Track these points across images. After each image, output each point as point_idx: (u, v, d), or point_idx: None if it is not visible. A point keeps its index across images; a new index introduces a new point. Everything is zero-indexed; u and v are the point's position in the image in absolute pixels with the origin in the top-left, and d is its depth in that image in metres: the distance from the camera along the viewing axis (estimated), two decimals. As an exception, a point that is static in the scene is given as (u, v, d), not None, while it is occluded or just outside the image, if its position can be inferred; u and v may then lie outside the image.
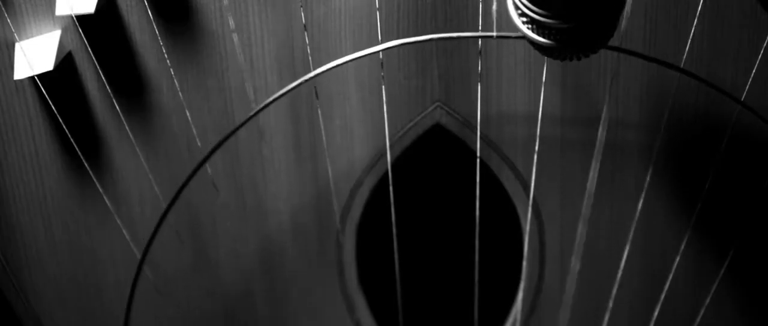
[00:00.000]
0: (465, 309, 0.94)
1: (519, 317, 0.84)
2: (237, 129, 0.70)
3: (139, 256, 0.77)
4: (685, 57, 0.74)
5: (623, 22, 0.73)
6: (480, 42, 0.74)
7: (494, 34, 0.67)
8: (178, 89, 0.75)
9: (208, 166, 0.78)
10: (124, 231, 0.79)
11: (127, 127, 0.76)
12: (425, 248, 0.94)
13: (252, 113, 0.70)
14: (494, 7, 0.72)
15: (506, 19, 0.73)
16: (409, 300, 0.94)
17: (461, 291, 0.93)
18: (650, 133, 0.77)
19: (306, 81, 0.68)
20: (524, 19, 0.60)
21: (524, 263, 0.83)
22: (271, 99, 0.69)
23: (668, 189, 0.79)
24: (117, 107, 0.75)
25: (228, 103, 0.76)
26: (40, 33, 0.72)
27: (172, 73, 0.75)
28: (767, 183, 0.78)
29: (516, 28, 0.60)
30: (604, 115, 0.77)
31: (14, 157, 0.76)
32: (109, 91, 0.75)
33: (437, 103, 0.77)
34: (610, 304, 0.83)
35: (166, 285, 0.82)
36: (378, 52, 0.68)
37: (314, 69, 0.75)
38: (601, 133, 0.77)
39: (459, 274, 0.93)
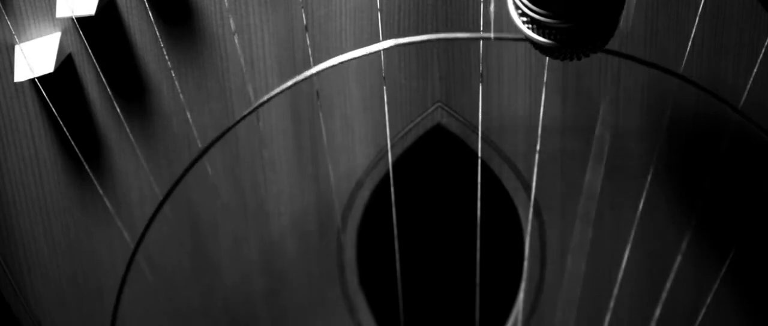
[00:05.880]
0: (466, 310, 0.94)
1: (520, 317, 0.84)
2: (235, 124, 0.70)
3: (136, 253, 0.77)
4: (685, 58, 0.74)
5: (623, 22, 0.73)
6: (481, 42, 0.74)
7: (491, 35, 0.67)
8: (179, 91, 0.75)
9: (208, 166, 0.78)
10: (125, 233, 0.79)
11: (127, 129, 0.76)
12: (426, 248, 0.94)
13: (251, 108, 0.69)
14: (492, 7, 0.72)
15: (507, 20, 0.73)
16: (410, 300, 0.94)
17: (462, 291, 0.93)
18: (650, 134, 0.77)
19: (305, 78, 0.68)
20: (524, 19, 0.60)
21: (525, 263, 0.83)
22: (270, 95, 0.69)
23: (669, 189, 0.79)
24: (117, 109, 0.75)
25: (229, 104, 0.76)
26: (40, 35, 0.72)
27: (173, 74, 0.75)
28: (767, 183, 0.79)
29: (517, 28, 0.60)
30: (601, 115, 0.77)
31: (14, 159, 0.76)
32: (110, 92, 0.74)
33: (438, 104, 0.77)
34: (611, 304, 0.83)
35: (166, 285, 0.82)
36: (377, 52, 0.68)
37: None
38: (601, 132, 0.77)
39: (460, 275, 0.93)
